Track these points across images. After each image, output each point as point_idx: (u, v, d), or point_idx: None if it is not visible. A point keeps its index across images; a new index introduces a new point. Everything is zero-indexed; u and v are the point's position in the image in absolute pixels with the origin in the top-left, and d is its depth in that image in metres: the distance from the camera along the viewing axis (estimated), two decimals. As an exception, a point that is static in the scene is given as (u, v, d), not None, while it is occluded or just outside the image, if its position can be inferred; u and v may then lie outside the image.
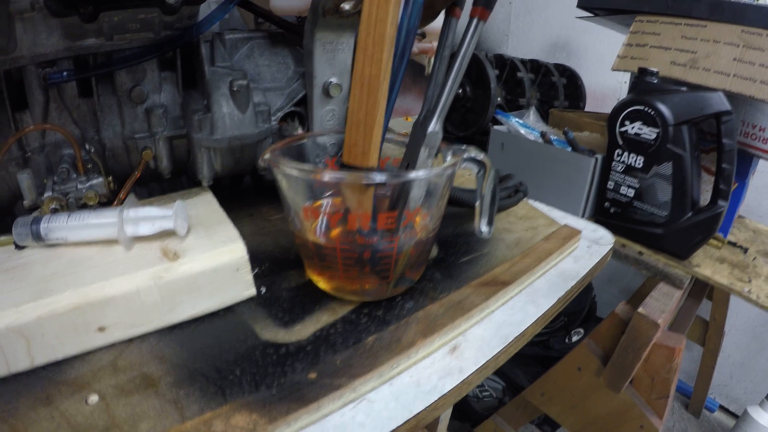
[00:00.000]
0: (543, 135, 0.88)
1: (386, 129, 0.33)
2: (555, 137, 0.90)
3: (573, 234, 0.53)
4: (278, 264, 0.44)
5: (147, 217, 0.37)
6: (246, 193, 0.61)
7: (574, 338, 1.17)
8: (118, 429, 0.27)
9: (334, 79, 0.49)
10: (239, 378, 0.31)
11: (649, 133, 0.75)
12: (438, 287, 0.41)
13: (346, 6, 0.45)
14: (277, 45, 0.54)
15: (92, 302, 0.32)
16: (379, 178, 0.30)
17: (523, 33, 1.46)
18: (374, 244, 0.33)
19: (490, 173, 0.39)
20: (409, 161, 0.35)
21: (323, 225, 0.37)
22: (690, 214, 0.76)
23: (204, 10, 0.49)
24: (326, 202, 0.37)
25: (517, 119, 0.96)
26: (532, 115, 0.99)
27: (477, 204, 0.42)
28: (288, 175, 0.32)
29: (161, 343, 0.34)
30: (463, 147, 0.39)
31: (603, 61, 1.29)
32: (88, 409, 0.28)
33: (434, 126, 0.34)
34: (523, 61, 1.07)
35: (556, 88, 1.07)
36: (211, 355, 0.33)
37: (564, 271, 0.49)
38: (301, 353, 0.33)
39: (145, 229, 0.37)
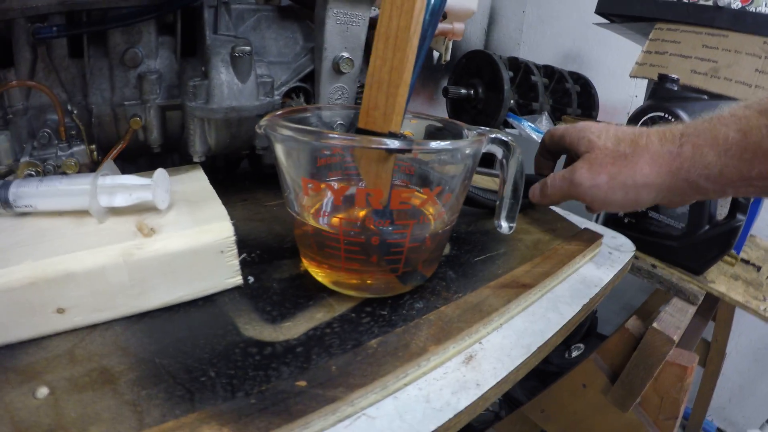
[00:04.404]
0: (556, 140, 0.82)
1: (412, 91, 0.27)
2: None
3: (595, 238, 0.47)
4: (271, 252, 0.37)
5: (123, 186, 0.31)
6: (242, 178, 0.55)
7: (574, 353, 1.10)
8: (64, 431, 0.22)
9: (345, 54, 0.43)
10: (212, 381, 0.25)
11: (669, 141, 0.69)
12: (451, 287, 0.35)
13: (364, -27, 0.40)
14: (287, 19, 0.48)
15: (50, 278, 0.26)
16: (400, 144, 0.23)
17: (535, 42, 1.41)
18: (385, 228, 0.27)
19: (514, 157, 0.33)
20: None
21: (327, 206, 0.31)
22: (707, 227, 0.69)
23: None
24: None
25: (529, 123, 0.90)
26: (544, 120, 0.93)
27: (498, 194, 0.36)
28: (287, 139, 0.26)
29: (127, 333, 0.28)
30: (487, 129, 0.33)
31: (614, 75, 1.23)
32: (35, 404, 0.23)
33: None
34: (537, 66, 1.01)
35: (569, 94, 1.01)
36: (183, 351, 0.26)
37: (586, 277, 0.43)
38: (290, 355, 0.26)
39: (120, 200, 0.31)
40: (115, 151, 0.40)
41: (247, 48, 0.40)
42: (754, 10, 0.78)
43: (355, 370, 0.25)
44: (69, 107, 0.40)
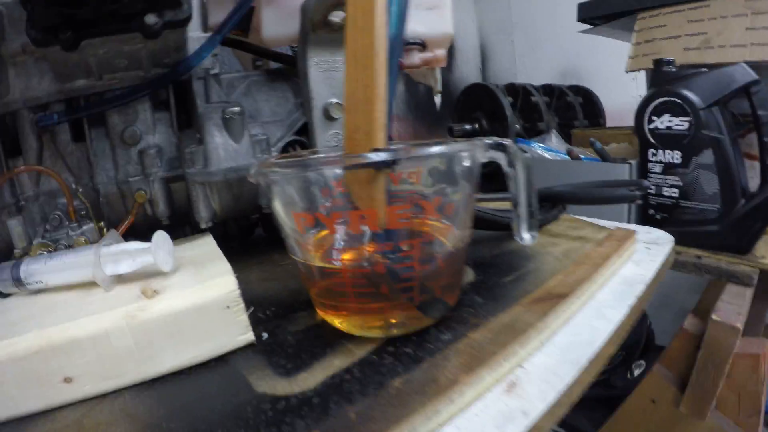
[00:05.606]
0: (569, 152, 0.79)
1: (391, 106, 0.25)
2: (582, 155, 0.81)
3: (628, 235, 0.43)
4: (285, 307, 0.35)
5: (126, 252, 0.30)
6: (257, 243, 0.54)
7: (636, 372, 1.01)
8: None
9: (334, 99, 0.43)
10: (222, 443, 0.22)
11: (680, 123, 0.65)
12: (480, 312, 0.31)
13: (335, 18, 0.40)
14: (276, 80, 0.49)
15: (56, 346, 0.25)
16: (385, 156, 0.22)
17: (531, 68, 1.41)
18: (387, 251, 0.24)
19: (519, 160, 0.31)
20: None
21: (331, 251, 0.29)
22: (743, 202, 0.64)
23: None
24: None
25: (539, 144, 0.88)
26: (554, 138, 0.91)
27: (512, 204, 0.33)
28: (275, 176, 0.25)
29: (136, 400, 0.26)
30: (485, 138, 0.31)
31: (616, 79, 1.21)
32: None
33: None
34: (535, 87, 1.00)
35: (573, 108, 0.99)
36: (192, 413, 0.24)
37: (627, 277, 0.38)
38: (305, 407, 0.23)
39: (125, 266, 0.30)
40: (123, 226, 0.40)
41: (237, 109, 0.40)
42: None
43: (377, 415, 0.21)
44: (76, 189, 0.41)
